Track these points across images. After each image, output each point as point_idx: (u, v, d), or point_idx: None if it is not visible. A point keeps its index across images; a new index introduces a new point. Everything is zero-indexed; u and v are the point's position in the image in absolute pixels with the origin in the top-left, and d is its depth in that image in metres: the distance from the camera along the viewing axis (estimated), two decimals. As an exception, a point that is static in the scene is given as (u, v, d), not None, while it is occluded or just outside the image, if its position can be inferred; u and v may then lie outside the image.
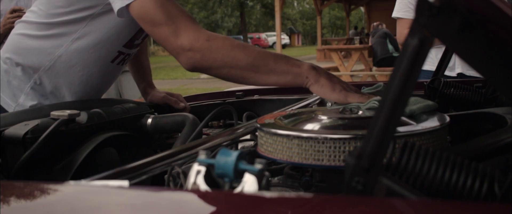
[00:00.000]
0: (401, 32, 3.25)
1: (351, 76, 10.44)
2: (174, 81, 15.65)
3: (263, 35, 47.42)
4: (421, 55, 0.61)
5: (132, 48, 1.81)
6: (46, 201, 0.70)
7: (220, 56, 1.44)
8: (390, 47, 10.00)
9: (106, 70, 1.80)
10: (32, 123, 1.32)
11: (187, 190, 0.79)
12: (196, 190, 0.76)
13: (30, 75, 1.75)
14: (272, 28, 45.68)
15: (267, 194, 0.68)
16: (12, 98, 1.76)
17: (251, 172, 0.78)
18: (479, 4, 0.52)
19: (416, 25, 0.61)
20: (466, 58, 0.61)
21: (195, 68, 1.48)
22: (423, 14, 0.60)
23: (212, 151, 1.25)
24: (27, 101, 1.75)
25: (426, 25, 0.60)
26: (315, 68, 1.42)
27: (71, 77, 1.75)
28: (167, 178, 1.12)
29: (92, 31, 1.69)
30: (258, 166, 0.79)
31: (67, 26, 1.69)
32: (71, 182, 0.75)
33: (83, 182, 0.75)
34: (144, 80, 2.10)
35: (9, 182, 0.79)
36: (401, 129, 1.08)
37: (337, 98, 1.36)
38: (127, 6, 1.50)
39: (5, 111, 1.75)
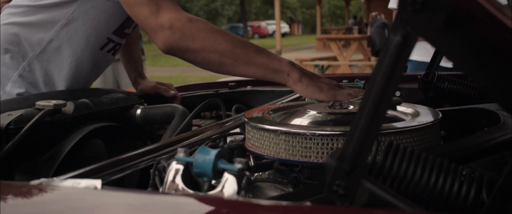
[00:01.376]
0: None
1: (350, 66, 10.40)
2: (174, 68, 15.59)
3: (263, 24, 47.28)
4: (404, 53, 0.58)
5: (122, 37, 1.78)
6: (16, 200, 0.68)
7: (200, 38, 1.38)
8: (389, 37, 9.97)
9: (96, 57, 1.76)
10: (16, 113, 1.29)
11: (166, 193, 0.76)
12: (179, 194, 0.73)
13: (19, 62, 1.70)
14: (272, 17, 45.48)
15: (243, 199, 0.66)
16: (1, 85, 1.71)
17: (231, 172, 0.75)
18: (464, 1, 0.49)
19: (398, 21, 0.58)
20: (450, 56, 0.58)
21: (171, 48, 1.42)
22: (406, 9, 0.57)
23: (196, 146, 1.23)
24: (14, 89, 1.69)
25: (409, 21, 0.57)
26: (295, 66, 1.38)
27: (61, 64, 1.71)
28: (152, 172, 1.10)
29: (81, 16, 1.65)
30: (238, 165, 0.76)
31: (56, 9, 1.66)
32: (43, 180, 0.72)
33: (55, 181, 0.72)
34: (135, 70, 2.08)
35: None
36: (394, 124, 1.06)
37: (325, 97, 1.33)
38: None
39: None
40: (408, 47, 0.57)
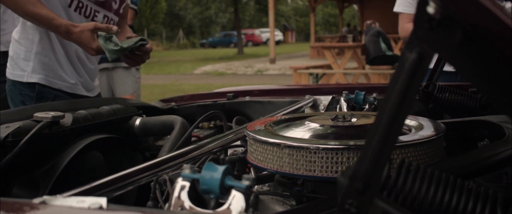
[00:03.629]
0: (402, 26, 3.21)
1: (344, 74, 10.40)
2: (168, 76, 15.56)
3: (257, 32, 47.25)
4: (420, 70, 0.57)
5: None
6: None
7: None
8: (383, 45, 9.96)
9: (69, 16, 2.00)
10: (14, 126, 1.27)
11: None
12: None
13: (32, 42, 2.04)
14: (265, 25, 45.52)
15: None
16: (22, 69, 2.04)
17: (238, 189, 0.74)
18: (483, 17, 0.48)
19: (414, 38, 0.56)
20: (467, 73, 0.56)
21: None
22: (422, 26, 0.55)
23: (200, 160, 1.21)
24: (36, 66, 2.03)
25: (425, 39, 0.56)
26: (69, 33, 1.86)
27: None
28: (153, 186, 1.08)
29: None
30: (245, 182, 0.74)
31: None
32: (46, 198, 0.71)
33: (58, 199, 0.70)
34: None
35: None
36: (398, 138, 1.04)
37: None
38: None
39: (19, 83, 2.05)
40: (423, 65, 0.56)
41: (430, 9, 0.53)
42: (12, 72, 2.07)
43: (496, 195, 0.63)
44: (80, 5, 2.02)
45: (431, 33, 0.54)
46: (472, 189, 0.64)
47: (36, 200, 0.70)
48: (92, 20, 2.06)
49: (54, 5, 1.95)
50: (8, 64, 2.13)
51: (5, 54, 2.38)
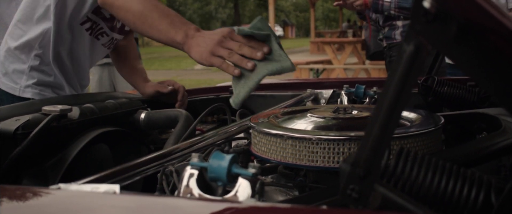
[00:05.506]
0: None
1: (345, 69, 10.43)
2: (168, 71, 15.60)
3: (256, 27, 47.20)
4: (417, 62, 0.60)
5: (98, 15, 1.87)
6: (37, 204, 0.70)
7: None
8: (383, 41, 10.00)
9: (77, 34, 1.87)
10: (23, 119, 1.30)
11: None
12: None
13: (27, 55, 1.87)
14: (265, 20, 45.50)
15: (261, 204, 0.67)
16: (14, 81, 1.88)
17: (245, 177, 0.77)
18: (476, 13, 0.51)
19: (412, 31, 0.60)
20: (462, 66, 0.60)
21: (102, 2, 1.55)
22: (419, 20, 0.59)
23: (205, 152, 1.25)
24: (29, 81, 1.87)
25: (422, 32, 0.59)
26: (187, 35, 1.38)
27: (56, 47, 1.86)
28: (160, 177, 1.11)
29: None
30: (251, 170, 0.78)
31: None
32: (61, 186, 0.74)
33: (73, 186, 0.74)
34: (140, 78, 2.09)
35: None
36: (397, 130, 1.08)
37: (205, 63, 1.33)
38: None
39: (11, 95, 1.87)
40: (420, 57, 0.59)
41: (426, 3, 0.56)
42: (3, 82, 1.91)
43: (490, 181, 0.67)
44: (94, 26, 1.90)
45: (428, 27, 0.57)
46: (467, 175, 0.68)
47: (53, 187, 0.74)
48: (98, 39, 1.95)
49: (63, 20, 1.83)
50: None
51: None
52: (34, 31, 1.85)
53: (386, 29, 3.29)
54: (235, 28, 1.35)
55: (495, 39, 0.51)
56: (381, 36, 3.37)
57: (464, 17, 0.55)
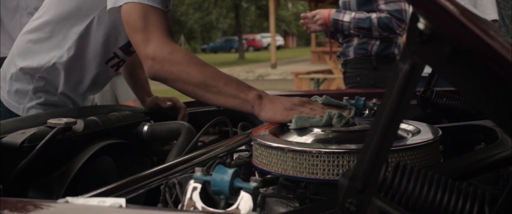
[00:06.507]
0: None
1: (345, 79, 10.46)
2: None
3: (257, 37, 47.41)
4: (413, 80, 0.63)
5: (127, 53, 1.87)
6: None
7: (176, 70, 1.48)
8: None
9: (100, 70, 1.87)
10: (29, 132, 1.33)
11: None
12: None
13: (32, 77, 1.85)
14: (266, 30, 45.64)
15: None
16: (18, 101, 1.88)
17: (247, 190, 0.80)
18: (466, 36, 0.54)
19: (407, 51, 0.62)
20: (455, 85, 0.62)
21: (154, 77, 1.53)
22: (414, 40, 0.61)
23: (207, 164, 1.27)
24: (32, 102, 1.86)
25: (417, 52, 0.62)
26: (260, 96, 1.44)
27: (68, 76, 1.84)
28: (163, 189, 1.13)
29: (94, 31, 1.77)
30: (253, 184, 0.80)
31: (71, 25, 1.77)
32: (69, 199, 0.76)
33: (80, 199, 0.76)
34: (142, 90, 2.13)
35: (4, 198, 0.80)
36: (395, 143, 1.10)
37: (280, 118, 1.37)
38: (119, 7, 1.55)
39: (15, 114, 1.86)
40: (415, 75, 0.62)
41: (421, 25, 0.59)
42: (5, 98, 1.89)
43: (484, 194, 0.69)
44: (117, 61, 1.91)
45: (422, 47, 0.60)
46: (461, 188, 0.70)
47: (60, 200, 0.76)
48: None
49: (89, 60, 1.84)
50: (1, 83, 1.93)
51: None
52: (45, 57, 1.82)
53: (344, 45, 3.41)
54: (317, 97, 1.46)
55: (485, 61, 0.54)
56: (339, 53, 3.49)
57: (454, 38, 0.58)
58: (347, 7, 3.27)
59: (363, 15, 3.17)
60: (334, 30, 3.34)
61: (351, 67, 3.35)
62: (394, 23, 3.11)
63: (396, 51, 3.29)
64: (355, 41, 3.31)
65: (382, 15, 3.12)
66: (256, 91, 1.46)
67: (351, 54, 3.34)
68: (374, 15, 3.13)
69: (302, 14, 3.48)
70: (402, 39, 3.42)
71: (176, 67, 1.48)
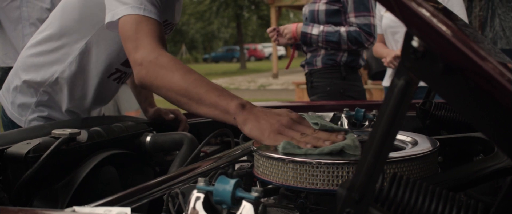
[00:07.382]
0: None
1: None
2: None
3: (259, 46, 47.53)
4: (407, 95, 0.66)
5: (129, 67, 1.88)
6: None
7: (160, 77, 1.42)
8: (384, 61, 10.06)
9: (103, 84, 1.91)
10: (34, 142, 1.36)
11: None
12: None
13: (36, 90, 1.88)
14: (268, 39, 45.76)
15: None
16: (20, 113, 1.92)
17: (248, 200, 0.82)
18: (457, 56, 0.56)
19: (402, 67, 0.65)
20: (448, 99, 0.65)
21: (141, 83, 1.48)
22: (408, 57, 0.64)
23: (210, 174, 1.30)
24: (33, 115, 1.90)
25: (411, 68, 0.64)
26: (244, 106, 1.32)
27: (71, 91, 1.88)
28: (166, 199, 1.16)
29: (95, 46, 1.81)
30: (254, 194, 0.83)
31: (72, 41, 1.81)
32: (76, 208, 0.79)
33: (86, 208, 0.79)
34: (145, 100, 2.16)
35: (6, 207, 0.82)
36: (393, 154, 1.12)
37: (267, 143, 1.25)
38: (118, 20, 1.56)
39: (18, 125, 1.91)
40: (410, 90, 0.64)
41: (414, 43, 0.62)
42: (8, 108, 1.95)
43: (477, 205, 0.72)
44: (119, 74, 1.94)
45: (416, 63, 0.63)
46: (455, 199, 0.73)
47: (67, 210, 0.79)
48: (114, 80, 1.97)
49: (92, 75, 1.87)
50: (3, 92, 2.01)
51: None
52: (48, 71, 1.86)
53: (309, 55, 3.46)
54: (309, 115, 1.33)
55: (476, 79, 0.57)
56: (303, 62, 3.54)
57: (446, 56, 0.60)
58: (315, 17, 3.31)
59: (331, 28, 3.21)
60: (303, 43, 3.40)
61: (318, 76, 3.40)
62: (363, 37, 3.16)
63: (362, 63, 3.34)
64: (322, 51, 3.36)
65: (351, 29, 3.16)
66: (238, 100, 1.34)
67: (318, 63, 3.38)
68: (343, 29, 3.18)
69: (268, 29, 3.57)
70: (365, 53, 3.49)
71: (160, 72, 1.43)
